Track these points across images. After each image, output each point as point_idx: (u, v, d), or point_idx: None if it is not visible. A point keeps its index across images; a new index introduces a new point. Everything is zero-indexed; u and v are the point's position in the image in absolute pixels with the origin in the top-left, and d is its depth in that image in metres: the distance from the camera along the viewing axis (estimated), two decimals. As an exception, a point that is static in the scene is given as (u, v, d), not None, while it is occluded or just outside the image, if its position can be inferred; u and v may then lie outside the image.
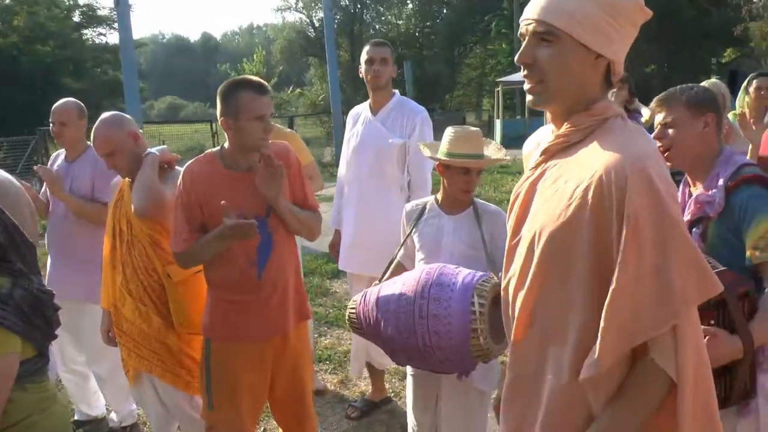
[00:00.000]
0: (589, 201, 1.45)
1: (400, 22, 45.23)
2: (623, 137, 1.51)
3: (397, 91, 4.09)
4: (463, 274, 2.49)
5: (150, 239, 3.14)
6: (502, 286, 1.75)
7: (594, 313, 1.44)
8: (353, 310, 2.74)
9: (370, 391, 4.41)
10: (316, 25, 44.61)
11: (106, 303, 3.35)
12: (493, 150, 2.94)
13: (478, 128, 2.98)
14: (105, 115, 3.30)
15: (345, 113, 4.56)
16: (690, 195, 2.37)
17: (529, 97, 1.60)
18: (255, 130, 2.69)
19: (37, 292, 1.89)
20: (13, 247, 1.85)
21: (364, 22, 43.85)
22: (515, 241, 1.70)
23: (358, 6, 42.87)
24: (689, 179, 2.41)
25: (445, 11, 43.27)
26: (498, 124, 26.28)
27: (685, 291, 1.41)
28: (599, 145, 1.50)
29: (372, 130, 3.98)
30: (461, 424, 2.81)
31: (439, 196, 2.95)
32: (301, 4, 44.84)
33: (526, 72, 1.57)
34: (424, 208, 2.97)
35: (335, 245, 4.27)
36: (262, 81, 2.77)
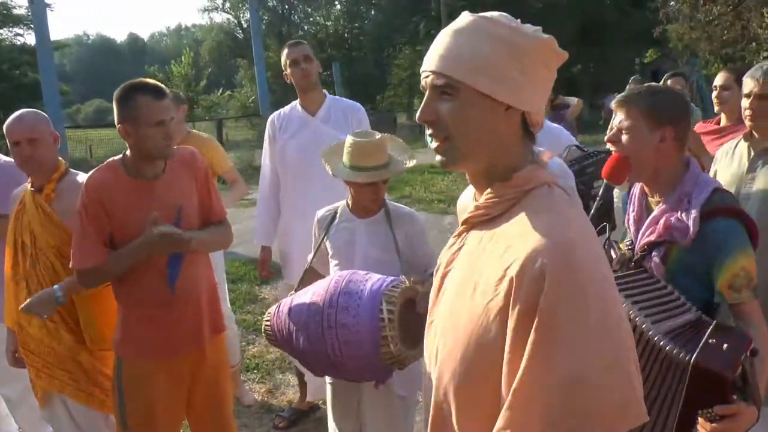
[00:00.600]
0: (503, 299, 1.19)
1: (329, 23, 45.11)
2: (548, 216, 1.25)
3: (325, 91, 4.00)
4: (372, 280, 2.42)
5: (57, 252, 2.97)
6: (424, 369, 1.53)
7: None
8: (268, 322, 2.64)
9: (296, 399, 4.30)
10: (244, 26, 44.19)
11: (9, 321, 3.15)
12: (399, 151, 2.85)
13: (376, 133, 2.86)
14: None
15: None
16: (646, 205, 2.25)
17: (437, 158, 1.37)
18: (155, 137, 2.55)
19: None
20: None
21: (292, 23, 43.67)
22: (430, 321, 1.47)
23: (286, 7, 42.63)
24: (645, 188, 2.25)
25: (372, 12, 43.35)
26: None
27: (603, 411, 1.13)
28: (521, 224, 1.26)
29: (318, 131, 3.83)
30: (383, 425, 2.75)
31: (350, 200, 2.87)
32: (228, 5, 44.40)
33: (431, 131, 1.35)
34: (335, 213, 2.90)
35: (265, 262, 4.09)
36: (159, 84, 2.65)
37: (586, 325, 1.13)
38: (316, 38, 44.70)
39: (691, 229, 2.01)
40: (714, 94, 3.87)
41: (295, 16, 44.95)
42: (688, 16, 26.77)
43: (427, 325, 1.48)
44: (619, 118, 2.15)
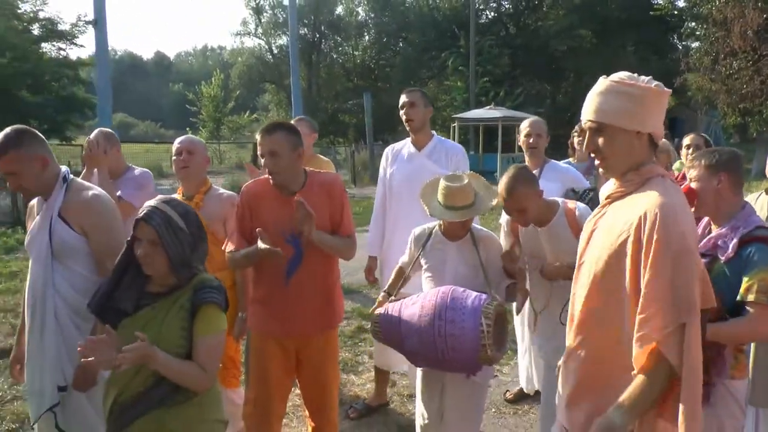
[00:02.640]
0: (632, 233, 2.10)
1: (357, 53, 46.05)
2: (661, 190, 2.13)
3: (434, 132, 4.69)
4: (471, 297, 3.08)
5: None
6: (570, 305, 2.43)
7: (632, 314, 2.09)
8: (377, 326, 3.30)
9: (365, 395, 4.92)
10: (275, 51, 45.02)
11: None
12: (484, 189, 3.43)
13: (464, 176, 3.40)
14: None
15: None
16: (709, 231, 2.91)
17: (600, 170, 2.33)
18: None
19: None
20: None
21: (321, 52, 44.45)
22: (581, 262, 2.37)
23: (317, 35, 43.48)
24: (711, 220, 2.95)
25: (401, 45, 44.09)
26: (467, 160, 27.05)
27: (690, 300, 2.00)
28: (644, 195, 2.15)
29: (422, 165, 4.51)
30: (463, 408, 3.39)
31: (442, 225, 3.48)
32: (260, 30, 45.26)
33: (593, 154, 2.30)
34: (430, 233, 3.51)
35: (371, 270, 4.77)
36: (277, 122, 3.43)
37: (684, 247, 2.01)
38: (344, 68, 45.47)
39: (730, 250, 2.71)
40: (683, 152, 4.81)
41: (325, 45, 45.76)
42: (709, 68, 27.34)
43: (578, 264, 2.40)
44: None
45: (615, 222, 2.22)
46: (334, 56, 46.20)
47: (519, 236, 3.50)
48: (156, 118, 72.05)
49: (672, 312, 1.99)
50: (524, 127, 4.64)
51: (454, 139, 26.94)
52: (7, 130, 2.93)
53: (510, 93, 31.02)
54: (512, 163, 25.40)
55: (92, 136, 4.11)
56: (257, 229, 3.16)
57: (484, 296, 3.10)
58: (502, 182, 3.22)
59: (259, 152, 3.31)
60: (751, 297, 2.62)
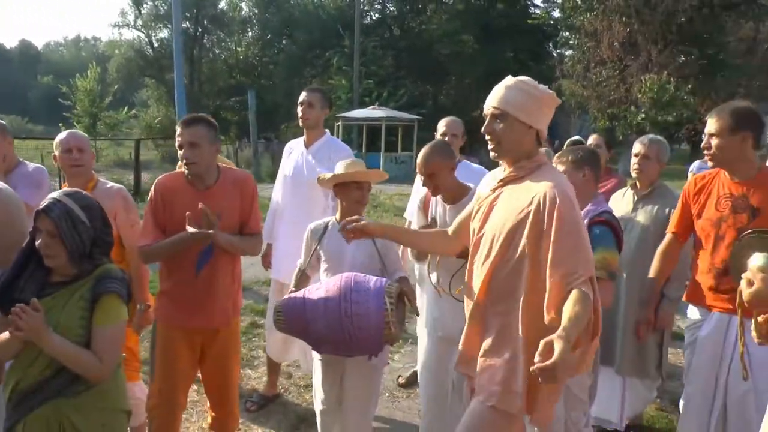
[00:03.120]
0: (532, 210, 2.50)
1: (240, 49, 45.47)
2: (553, 176, 2.61)
3: (327, 131, 4.81)
4: (372, 280, 3.20)
5: None
6: (467, 274, 2.75)
7: (530, 281, 2.45)
8: (280, 314, 3.32)
9: (262, 388, 4.98)
10: (155, 45, 43.71)
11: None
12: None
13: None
14: None
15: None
16: None
17: (492, 153, 2.69)
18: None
19: None
20: None
21: (204, 47, 43.53)
22: (480, 235, 2.67)
23: (199, 29, 42.53)
24: None
25: (285, 42, 43.85)
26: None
27: (588, 261, 2.46)
28: (537, 179, 2.59)
29: (306, 162, 4.66)
30: (362, 392, 3.53)
31: (338, 216, 3.61)
32: (140, 22, 43.74)
33: (489, 138, 2.65)
34: (326, 226, 3.63)
35: (267, 256, 4.86)
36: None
37: (577, 223, 2.45)
38: (227, 63, 44.77)
39: None
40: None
41: (208, 40, 44.82)
42: (581, 75, 29.00)
43: (476, 238, 2.75)
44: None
45: (514, 201, 2.60)
46: (217, 52, 45.45)
47: (428, 214, 3.70)
48: (22, 112, 68.02)
49: (585, 266, 2.43)
50: (441, 126, 4.83)
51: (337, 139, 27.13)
52: None
53: (393, 94, 31.50)
54: (396, 162, 25.76)
55: None
56: (187, 213, 3.16)
57: (384, 279, 3.24)
58: (422, 150, 3.47)
59: (177, 144, 3.31)
60: (597, 273, 3.03)
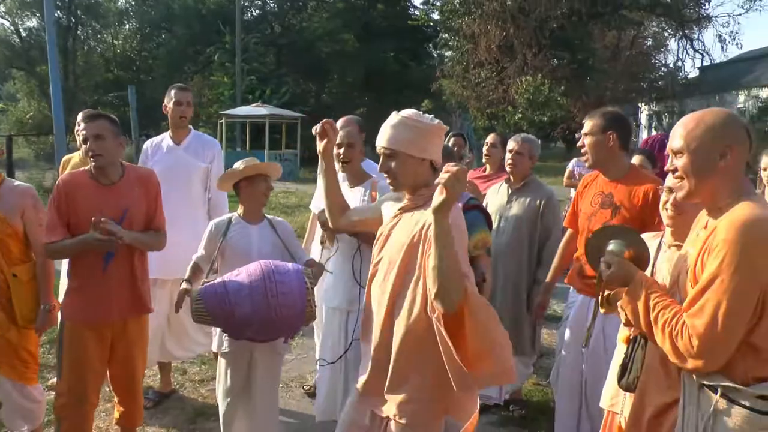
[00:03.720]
0: (423, 232, 2.66)
1: (117, 42, 43.92)
2: None
3: (191, 126, 5.04)
4: (289, 265, 3.51)
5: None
6: (366, 289, 3.00)
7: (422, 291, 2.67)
8: (200, 303, 3.43)
9: (157, 386, 5.21)
10: (23, 34, 41.43)
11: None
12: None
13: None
14: None
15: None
16: None
17: (390, 187, 2.88)
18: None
19: None
20: None
21: (78, 38, 41.66)
22: (378, 259, 2.90)
23: (72, 19, 40.69)
24: None
25: (164, 37, 42.77)
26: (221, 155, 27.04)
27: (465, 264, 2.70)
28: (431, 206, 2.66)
29: (180, 157, 4.89)
30: (270, 378, 3.85)
31: (240, 211, 3.89)
32: (3, 9, 41.20)
33: (386, 175, 2.82)
34: (229, 221, 3.89)
35: None
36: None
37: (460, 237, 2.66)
38: (104, 57, 43.15)
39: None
40: (485, 149, 5.58)
41: (82, 32, 42.95)
42: (461, 76, 30.07)
43: (375, 260, 2.92)
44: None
45: (410, 226, 2.78)
46: (93, 44, 43.56)
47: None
48: None
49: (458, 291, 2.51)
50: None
51: (220, 136, 26.96)
52: None
53: (276, 91, 31.48)
54: (280, 160, 25.73)
55: None
56: (93, 218, 3.34)
57: (297, 265, 3.56)
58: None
59: (81, 138, 3.45)
60: (477, 252, 3.68)
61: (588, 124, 3.84)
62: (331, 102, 36.29)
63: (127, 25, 44.21)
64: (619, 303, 2.43)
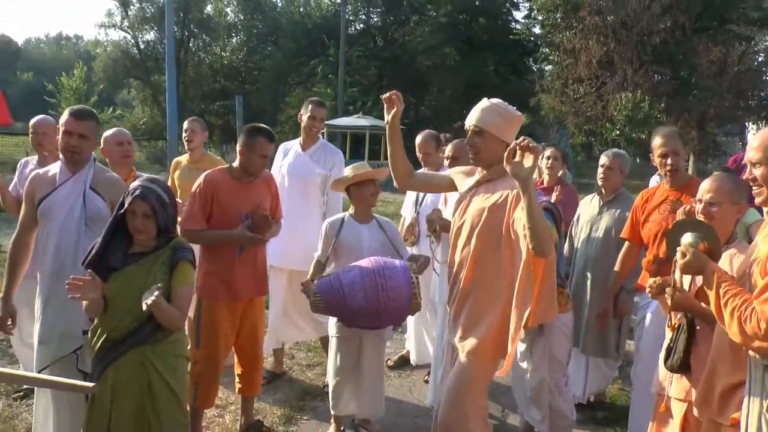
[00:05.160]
0: (509, 201, 3.14)
1: (225, 54, 45.85)
2: (512, 180, 2.97)
3: (320, 136, 5.46)
4: (396, 261, 3.88)
5: None
6: (450, 254, 3.37)
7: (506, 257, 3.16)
8: (317, 296, 3.85)
9: (269, 366, 5.59)
10: (141, 46, 43.83)
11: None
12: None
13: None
14: None
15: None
16: None
17: (472, 160, 3.39)
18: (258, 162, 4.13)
19: None
20: None
21: (189, 50, 43.70)
22: (461, 221, 3.36)
23: (185, 33, 42.73)
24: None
25: (269, 49, 44.26)
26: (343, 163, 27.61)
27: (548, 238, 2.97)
28: (508, 179, 3.07)
29: (305, 163, 5.32)
30: (377, 359, 4.27)
31: (351, 211, 4.29)
32: (126, 24, 43.86)
33: (470, 148, 3.33)
34: (342, 220, 4.29)
35: None
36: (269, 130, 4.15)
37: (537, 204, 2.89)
38: (212, 68, 45.05)
39: None
40: (544, 162, 5.75)
41: (193, 44, 45.00)
42: (560, 91, 29.71)
43: (458, 224, 3.40)
44: None
45: (489, 194, 3.28)
46: (202, 56, 45.58)
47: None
48: (1, 108, 67.29)
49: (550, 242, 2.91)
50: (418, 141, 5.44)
51: (322, 145, 27.61)
52: None
53: (377, 103, 32.11)
54: (379, 170, 26.21)
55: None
56: (246, 222, 4.02)
57: (402, 261, 3.94)
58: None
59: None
60: None
61: (675, 144, 4.15)
62: (430, 114, 36.68)
63: (235, 38, 46.04)
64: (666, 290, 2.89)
